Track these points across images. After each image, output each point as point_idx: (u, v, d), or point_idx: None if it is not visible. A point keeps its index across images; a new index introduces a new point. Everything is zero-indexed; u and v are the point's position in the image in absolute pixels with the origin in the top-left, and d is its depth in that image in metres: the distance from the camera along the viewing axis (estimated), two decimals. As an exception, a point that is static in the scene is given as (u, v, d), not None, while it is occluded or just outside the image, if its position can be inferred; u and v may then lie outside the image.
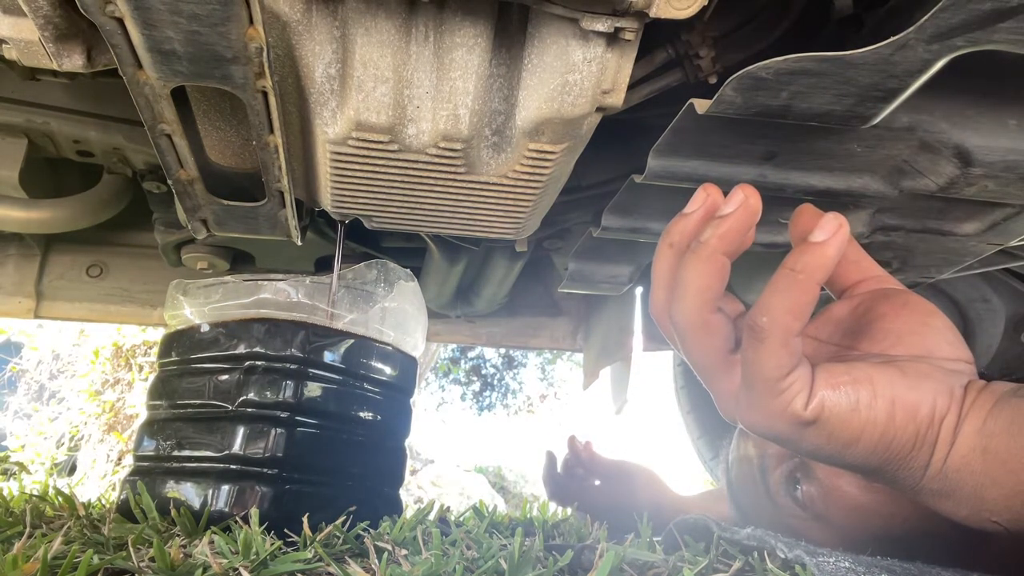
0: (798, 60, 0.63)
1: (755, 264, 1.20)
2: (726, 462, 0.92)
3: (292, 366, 0.85)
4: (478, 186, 0.87)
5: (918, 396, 0.45)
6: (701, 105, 0.71)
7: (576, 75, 0.71)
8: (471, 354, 8.85)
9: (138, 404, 4.60)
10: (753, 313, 0.44)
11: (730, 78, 0.66)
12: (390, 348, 0.95)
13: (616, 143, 1.02)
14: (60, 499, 0.89)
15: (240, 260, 1.52)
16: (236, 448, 0.81)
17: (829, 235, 0.42)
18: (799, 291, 0.42)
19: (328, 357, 0.88)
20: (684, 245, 0.48)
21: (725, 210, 0.45)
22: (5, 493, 0.97)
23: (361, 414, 0.91)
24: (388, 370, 0.94)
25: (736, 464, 0.88)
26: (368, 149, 0.81)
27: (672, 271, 0.48)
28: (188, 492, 0.80)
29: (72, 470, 4.69)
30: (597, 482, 1.35)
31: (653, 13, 0.63)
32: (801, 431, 0.45)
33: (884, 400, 0.44)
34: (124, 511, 0.82)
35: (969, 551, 0.68)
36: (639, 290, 1.63)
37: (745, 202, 0.44)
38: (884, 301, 0.52)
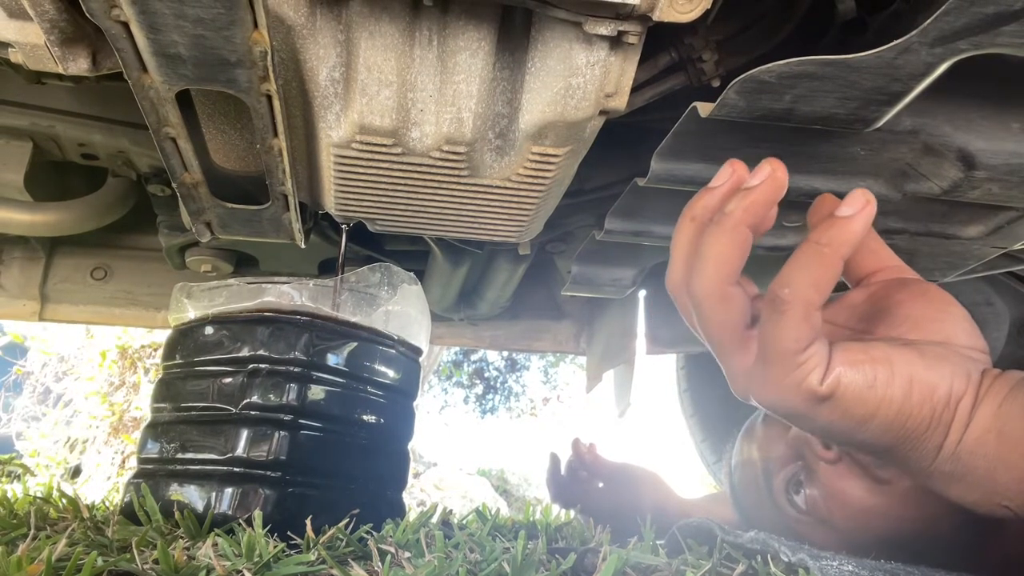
0: (801, 63, 0.63)
1: (758, 267, 1.19)
2: (729, 466, 0.92)
3: (296, 369, 0.85)
4: (481, 189, 0.87)
5: (936, 377, 0.45)
6: (704, 108, 0.71)
7: (579, 79, 0.71)
8: (474, 357, 8.85)
9: (144, 406, 4.61)
10: (774, 285, 0.43)
11: (733, 81, 0.66)
12: (393, 351, 0.95)
13: (619, 146, 1.02)
14: (64, 501, 0.89)
15: (244, 263, 1.52)
16: (240, 451, 0.81)
17: (856, 210, 0.42)
18: (823, 265, 0.42)
19: (332, 360, 0.88)
20: (707, 219, 0.47)
21: (752, 182, 0.45)
22: (9, 495, 0.97)
23: (364, 417, 0.91)
24: (391, 373, 0.95)
25: (739, 468, 0.87)
26: (372, 152, 0.81)
27: (692, 244, 0.47)
28: (192, 495, 0.80)
29: (76, 473, 4.70)
30: (600, 485, 1.35)
31: (656, 17, 0.63)
32: (816, 407, 0.44)
33: (901, 379, 0.44)
34: (128, 513, 0.82)
35: (972, 555, 0.68)
36: (642, 293, 1.63)
37: (772, 175, 0.44)
38: (903, 288, 0.52)
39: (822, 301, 0.43)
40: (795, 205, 0.93)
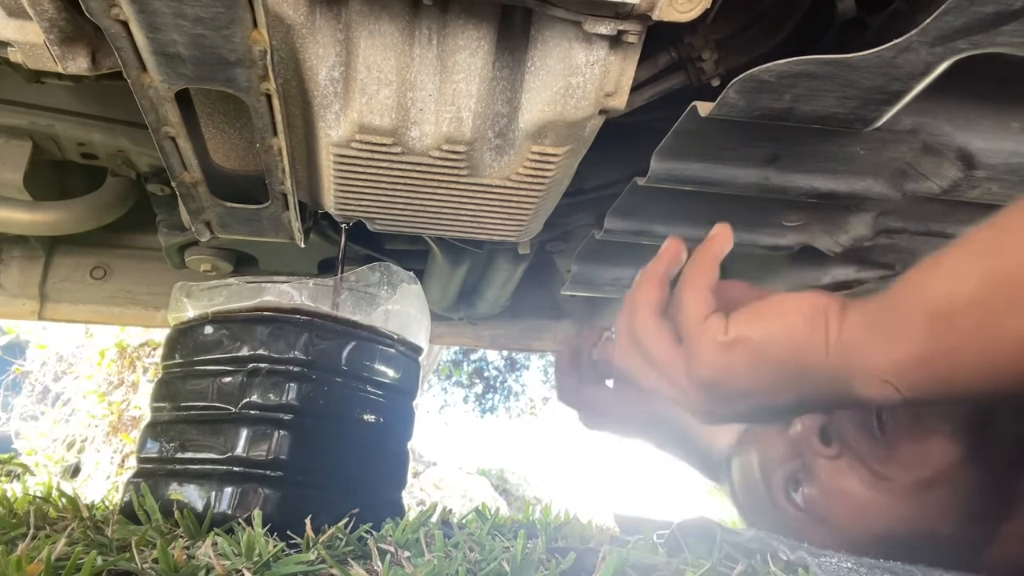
0: (801, 63, 0.63)
1: (760, 266, 1.19)
2: (727, 466, 0.91)
3: (295, 368, 0.85)
4: (481, 188, 0.87)
5: (802, 299, 0.58)
6: (704, 108, 0.71)
7: (579, 78, 0.71)
8: (473, 356, 8.85)
9: (143, 405, 4.61)
10: (675, 288, 0.62)
11: (733, 81, 0.66)
12: (393, 350, 0.95)
13: (619, 146, 1.02)
14: (64, 500, 0.89)
15: (243, 262, 1.52)
16: (239, 450, 0.81)
17: (718, 232, 0.64)
18: (704, 262, 0.62)
19: (331, 359, 0.88)
20: None
21: (661, 251, 0.67)
22: (9, 495, 0.97)
23: (364, 416, 0.91)
24: (391, 372, 0.95)
25: (738, 467, 0.87)
26: (371, 152, 0.81)
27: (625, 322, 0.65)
28: (191, 494, 0.80)
29: (76, 472, 4.69)
30: (610, 384, 1.07)
31: (656, 16, 0.63)
32: (729, 355, 0.58)
33: (777, 311, 0.58)
34: (127, 513, 0.82)
35: (970, 554, 0.68)
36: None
37: (672, 244, 0.67)
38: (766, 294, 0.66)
39: (710, 284, 0.61)
40: (795, 205, 0.94)
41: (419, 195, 0.89)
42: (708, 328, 0.59)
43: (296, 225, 0.94)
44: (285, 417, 0.83)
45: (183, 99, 0.75)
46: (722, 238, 0.64)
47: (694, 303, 0.60)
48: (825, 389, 0.57)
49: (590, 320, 1.86)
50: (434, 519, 0.87)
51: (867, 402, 0.55)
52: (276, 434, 0.82)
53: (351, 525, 0.73)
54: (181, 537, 0.70)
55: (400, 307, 0.97)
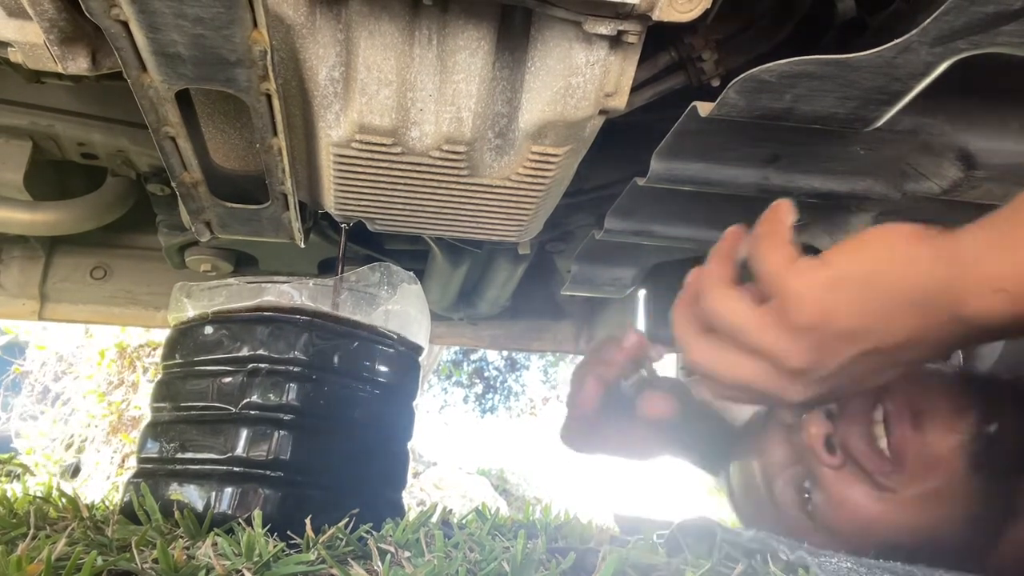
0: (801, 63, 0.63)
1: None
2: (728, 468, 0.91)
3: (295, 368, 0.85)
4: (481, 189, 0.87)
5: (900, 225, 0.56)
6: (704, 108, 0.71)
7: (579, 78, 0.71)
8: (473, 356, 8.85)
9: (143, 405, 4.62)
10: (748, 254, 0.60)
11: (733, 81, 0.66)
12: (393, 350, 0.95)
13: (619, 146, 1.02)
14: (64, 501, 0.89)
15: (243, 262, 1.52)
16: (239, 450, 0.81)
17: (779, 202, 0.61)
18: (776, 224, 0.59)
19: (331, 359, 0.88)
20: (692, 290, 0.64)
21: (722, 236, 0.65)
22: (9, 495, 0.97)
23: (364, 416, 0.91)
24: (391, 372, 0.94)
25: (738, 471, 0.87)
26: (371, 152, 0.81)
27: (690, 307, 0.63)
28: (191, 494, 0.80)
29: (76, 472, 4.70)
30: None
31: (656, 16, 0.63)
32: (833, 290, 0.54)
33: (876, 237, 0.56)
34: (128, 513, 0.82)
35: (972, 555, 0.68)
36: (642, 293, 1.63)
37: (731, 230, 0.64)
38: None
39: (788, 239, 0.58)
40: (795, 205, 0.93)
41: (419, 195, 0.89)
42: (802, 269, 0.55)
43: (296, 225, 0.94)
44: (285, 417, 0.83)
45: (183, 99, 0.75)
46: (786, 204, 0.60)
47: (777, 254, 0.57)
48: (934, 313, 0.53)
49: (589, 322, 1.86)
50: (434, 519, 0.87)
51: (975, 324, 0.52)
52: (276, 434, 0.82)
53: (351, 525, 0.73)
54: (181, 537, 0.70)
55: (400, 307, 0.97)
